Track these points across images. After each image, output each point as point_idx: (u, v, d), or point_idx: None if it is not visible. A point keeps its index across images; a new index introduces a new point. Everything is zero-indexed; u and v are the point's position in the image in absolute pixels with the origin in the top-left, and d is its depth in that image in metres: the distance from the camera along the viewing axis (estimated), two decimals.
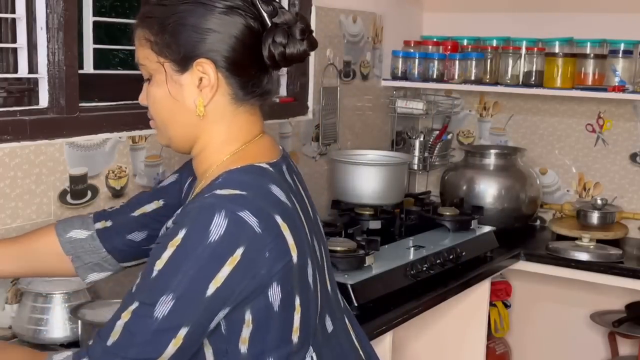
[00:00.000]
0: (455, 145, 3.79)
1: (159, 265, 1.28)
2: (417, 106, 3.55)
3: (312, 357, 1.41)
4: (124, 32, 2.66)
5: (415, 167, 3.56)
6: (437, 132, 3.67)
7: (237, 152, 1.43)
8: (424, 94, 3.75)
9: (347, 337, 1.56)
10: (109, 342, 1.30)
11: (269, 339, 1.34)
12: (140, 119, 2.41)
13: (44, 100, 2.18)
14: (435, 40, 3.61)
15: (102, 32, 2.49)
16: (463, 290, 2.69)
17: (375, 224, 2.98)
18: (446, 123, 3.68)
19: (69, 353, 1.36)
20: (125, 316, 1.30)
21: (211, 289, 1.27)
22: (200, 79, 1.38)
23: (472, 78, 3.46)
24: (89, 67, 2.31)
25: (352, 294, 2.30)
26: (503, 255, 3.01)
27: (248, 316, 1.32)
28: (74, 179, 2.23)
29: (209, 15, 1.36)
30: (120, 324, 1.30)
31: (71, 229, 1.75)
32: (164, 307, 1.27)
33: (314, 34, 1.43)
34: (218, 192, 1.31)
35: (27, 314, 1.99)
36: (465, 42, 3.60)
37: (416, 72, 3.54)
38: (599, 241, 3.13)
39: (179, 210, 1.35)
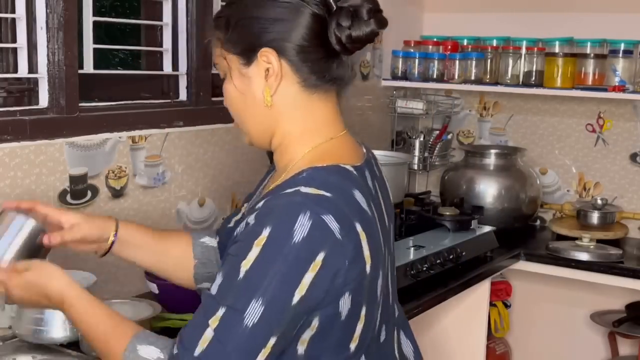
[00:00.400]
0: (455, 145, 3.79)
1: (246, 265, 1.22)
2: (417, 106, 3.55)
3: None
4: (124, 32, 2.66)
5: (415, 167, 3.56)
6: (437, 132, 3.67)
7: (320, 147, 1.38)
8: (424, 94, 3.75)
9: (398, 347, 1.54)
10: (197, 353, 1.23)
11: (327, 344, 1.31)
12: (141, 119, 2.42)
13: (44, 100, 2.19)
14: (435, 40, 3.61)
15: (102, 32, 2.49)
16: (463, 290, 2.69)
17: None
18: (446, 123, 3.68)
19: (158, 355, 1.29)
20: (213, 323, 1.23)
21: (296, 297, 1.22)
22: (267, 70, 1.36)
23: (472, 78, 3.46)
24: (89, 67, 2.31)
25: None
26: (503, 255, 3.01)
27: (315, 322, 1.29)
28: (74, 179, 2.23)
29: (271, 6, 1.34)
30: (209, 333, 1.23)
31: (204, 235, 1.71)
32: (254, 313, 1.21)
33: (383, 13, 1.38)
34: (303, 189, 1.26)
35: (27, 314, 1.98)
36: (465, 42, 3.60)
37: (416, 72, 3.54)
38: (599, 241, 3.13)
39: (260, 204, 1.29)
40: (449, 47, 3.54)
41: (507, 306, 3.53)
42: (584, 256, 3.02)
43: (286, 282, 1.22)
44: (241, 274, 1.23)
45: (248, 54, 1.37)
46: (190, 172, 2.61)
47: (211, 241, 1.69)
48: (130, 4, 2.67)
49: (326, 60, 1.38)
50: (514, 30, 3.49)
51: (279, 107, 1.38)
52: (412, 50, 3.60)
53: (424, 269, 2.58)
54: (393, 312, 1.53)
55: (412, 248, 2.73)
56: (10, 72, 2.17)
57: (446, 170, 3.55)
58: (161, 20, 2.59)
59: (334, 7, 1.35)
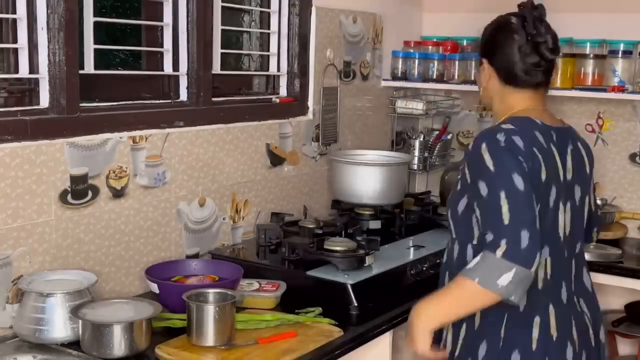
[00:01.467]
0: (455, 145, 3.79)
1: (489, 162, 1.91)
2: (417, 106, 3.55)
3: (546, 259, 1.97)
4: (125, 32, 2.66)
5: (415, 167, 3.56)
6: (437, 132, 3.67)
7: (519, 111, 2.06)
8: (424, 94, 3.75)
9: (577, 274, 2.09)
10: (506, 222, 1.83)
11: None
12: (141, 119, 2.43)
13: (44, 101, 2.19)
14: (435, 40, 3.62)
15: (102, 33, 2.49)
16: None
17: (375, 224, 2.98)
18: (446, 123, 3.69)
19: (478, 257, 1.84)
20: (500, 202, 1.86)
21: (526, 168, 1.90)
22: (485, 70, 2.14)
23: (472, 78, 3.47)
24: (89, 68, 2.32)
25: (352, 293, 2.31)
26: None
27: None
28: (74, 179, 2.23)
29: (495, 33, 2.15)
30: (503, 209, 1.84)
31: None
32: (518, 182, 1.87)
33: (551, 49, 2.07)
34: (502, 125, 1.98)
35: (28, 314, 1.99)
36: (465, 43, 3.61)
37: (416, 73, 3.55)
38: (598, 241, 3.12)
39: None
40: (449, 47, 3.54)
41: None
42: None
43: (517, 162, 1.89)
44: (493, 168, 1.90)
45: (481, 57, 2.17)
46: (191, 172, 2.62)
47: None
48: (131, 4, 2.68)
49: (519, 72, 2.07)
50: None
51: (489, 91, 2.16)
52: (411, 51, 3.61)
53: (424, 268, 2.59)
54: (574, 247, 2.07)
55: (412, 248, 2.73)
56: (11, 72, 2.18)
57: (446, 170, 3.56)
58: (162, 20, 2.60)
59: (527, 40, 2.07)
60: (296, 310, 2.24)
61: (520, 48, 2.03)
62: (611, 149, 3.48)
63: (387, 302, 2.37)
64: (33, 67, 2.18)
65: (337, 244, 2.48)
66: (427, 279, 2.58)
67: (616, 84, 3.18)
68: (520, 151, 1.90)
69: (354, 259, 2.44)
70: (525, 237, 1.81)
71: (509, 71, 2.06)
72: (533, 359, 1.95)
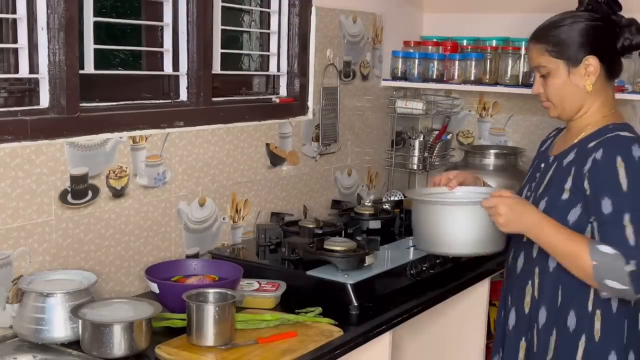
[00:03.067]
0: (455, 145, 3.79)
1: (623, 179, 1.89)
2: (417, 106, 3.55)
3: None
4: (125, 32, 2.67)
5: (415, 167, 3.56)
6: (437, 132, 3.68)
7: (609, 116, 2.07)
8: (423, 94, 3.75)
9: None
10: (634, 243, 1.86)
11: None
12: (141, 119, 2.43)
13: (44, 101, 2.19)
14: (435, 40, 3.62)
15: (102, 33, 2.49)
16: (463, 290, 2.70)
17: (375, 224, 2.98)
18: (446, 123, 3.69)
19: (615, 251, 1.87)
20: (627, 224, 1.87)
21: None
22: (587, 68, 2.04)
23: (472, 78, 3.47)
24: (89, 68, 2.32)
25: (352, 293, 2.31)
26: (503, 255, 3.01)
27: None
28: (74, 179, 2.23)
29: (587, 28, 2.05)
30: (629, 231, 1.87)
31: None
32: None
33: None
34: (620, 133, 1.98)
35: (28, 314, 1.99)
36: (464, 43, 3.61)
37: (416, 73, 3.55)
38: None
39: (592, 144, 1.99)
40: (449, 47, 3.54)
41: None
42: None
43: None
44: (625, 185, 1.89)
45: (576, 59, 2.06)
46: (191, 172, 2.62)
47: None
48: (131, 4, 2.68)
49: (618, 60, 2.13)
50: (513, 31, 3.49)
51: (594, 92, 2.09)
52: (411, 51, 3.60)
53: (424, 268, 2.59)
54: None
55: (412, 248, 2.73)
56: (11, 72, 2.18)
57: (446, 170, 3.55)
58: (162, 20, 2.60)
59: (621, 24, 2.10)
60: (296, 310, 2.24)
61: (620, 38, 2.06)
62: None
63: (387, 302, 2.37)
64: (33, 67, 2.18)
65: (337, 244, 2.48)
66: (427, 278, 2.58)
67: (616, 84, 3.18)
68: None
69: (354, 259, 2.44)
70: None
71: (614, 63, 2.09)
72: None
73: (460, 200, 2.14)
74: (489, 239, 2.12)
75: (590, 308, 2.00)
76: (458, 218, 2.08)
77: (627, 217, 1.87)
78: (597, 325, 1.99)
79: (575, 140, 2.09)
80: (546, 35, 2.08)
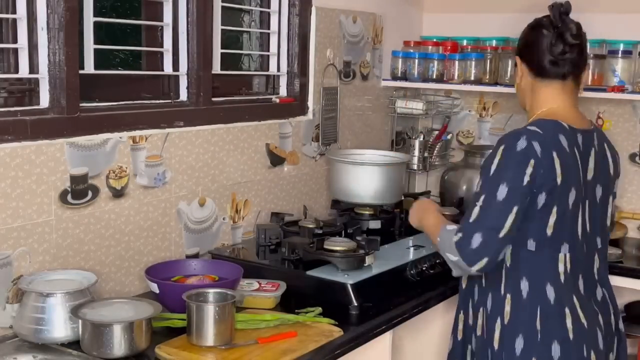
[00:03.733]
0: (455, 145, 3.79)
1: (494, 166, 2.05)
2: (417, 106, 3.55)
3: (565, 254, 2.11)
4: (125, 32, 2.66)
5: (415, 167, 3.56)
6: (437, 132, 3.68)
7: (547, 111, 2.18)
8: (423, 94, 3.75)
9: (597, 268, 2.22)
10: (471, 219, 2.05)
11: (531, 225, 2.08)
12: (141, 119, 2.43)
13: (44, 101, 2.19)
14: (434, 40, 3.62)
15: (102, 33, 2.49)
16: None
17: (375, 224, 2.98)
18: (446, 123, 3.69)
19: (454, 227, 2.10)
20: (478, 202, 2.05)
21: (525, 181, 2.01)
22: (519, 68, 2.26)
23: (472, 78, 3.47)
24: (89, 68, 2.32)
25: (352, 293, 2.31)
26: None
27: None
28: (74, 179, 2.23)
29: (527, 32, 2.26)
30: (476, 208, 2.05)
31: None
32: (502, 192, 2.01)
33: (575, 36, 2.18)
34: (529, 127, 2.10)
35: (28, 314, 1.99)
36: (464, 43, 3.61)
37: (416, 73, 3.55)
38: None
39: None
40: (449, 47, 3.54)
41: None
42: None
43: (519, 171, 2.02)
44: (492, 172, 2.05)
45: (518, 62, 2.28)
46: (191, 172, 2.62)
47: None
48: (131, 4, 2.68)
49: (548, 64, 2.18)
50: (513, 31, 3.47)
51: (525, 90, 2.27)
52: (411, 51, 3.60)
53: (424, 268, 2.59)
54: (594, 242, 2.21)
55: (412, 248, 2.74)
56: (11, 72, 2.18)
57: (446, 170, 3.56)
58: (162, 20, 2.60)
59: (555, 32, 2.19)
60: (296, 310, 2.24)
61: (547, 40, 2.17)
62: None
63: (387, 302, 2.37)
64: (33, 67, 2.18)
65: (337, 244, 2.48)
66: (427, 278, 2.58)
67: (616, 84, 3.18)
68: (536, 158, 2.03)
69: (353, 259, 2.44)
70: (477, 239, 2.03)
71: (539, 63, 2.19)
72: (572, 347, 2.07)
73: (367, 162, 3.09)
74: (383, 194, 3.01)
75: (502, 292, 2.14)
76: (363, 175, 3.01)
77: (482, 198, 2.06)
78: (507, 308, 2.12)
79: None
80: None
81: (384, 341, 2.32)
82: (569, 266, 2.12)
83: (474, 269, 2.05)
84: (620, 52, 3.20)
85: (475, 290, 2.24)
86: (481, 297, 2.22)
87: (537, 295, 2.10)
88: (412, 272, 2.55)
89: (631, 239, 3.38)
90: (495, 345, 2.14)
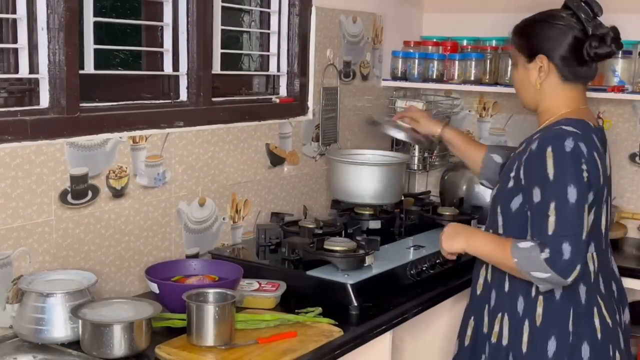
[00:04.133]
0: None
1: (550, 170, 1.98)
2: (417, 106, 3.55)
3: (592, 254, 2.10)
4: (125, 32, 2.67)
5: (415, 167, 3.56)
6: None
7: (570, 112, 2.15)
8: (423, 94, 3.75)
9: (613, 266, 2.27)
10: (551, 232, 1.96)
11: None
12: (141, 119, 2.43)
13: (44, 101, 2.19)
14: (434, 40, 3.62)
15: (102, 33, 2.49)
16: (463, 290, 2.69)
17: (375, 224, 2.98)
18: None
19: (531, 244, 1.98)
20: (550, 212, 1.96)
21: (585, 178, 1.98)
22: (540, 67, 2.16)
23: (472, 78, 3.47)
24: (89, 68, 2.32)
25: (352, 293, 2.31)
26: None
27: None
28: (74, 179, 2.23)
29: (548, 27, 2.14)
30: (551, 219, 1.96)
31: (496, 153, 2.54)
32: (572, 195, 1.96)
33: (614, 39, 2.15)
34: (564, 127, 2.05)
35: (28, 314, 1.99)
36: (464, 43, 3.61)
37: (416, 73, 3.55)
38: None
39: (536, 136, 2.10)
40: (449, 47, 3.55)
41: None
42: None
43: (578, 173, 1.98)
44: (551, 177, 1.98)
45: (531, 56, 2.18)
46: (191, 172, 2.62)
47: (498, 159, 2.52)
48: (131, 4, 2.68)
49: (578, 65, 2.14)
50: None
51: (544, 89, 2.18)
52: (411, 51, 3.61)
53: (424, 268, 2.59)
54: (608, 239, 2.23)
55: (412, 248, 2.74)
56: (11, 72, 2.18)
57: (446, 171, 3.56)
58: (162, 20, 2.60)
59: (590, 33, 2.12)
60: (296, 310, 2.24)
61: (583, 41, 2.10)
62: (611, 149, 3.46)
63: (387, 302, 2.37)
64: (33, 67, 2.18)
65: (337, 244, 2.48)
66: (427, 278, 2.58)
67: (616, 84, 3.18)
68: (585, 158, 2.00)
69: (354, 259, 2.44)
70: (567, 249, 1.94)
71: (572, 66, 2.14)
72: (600, 347, 2.09)
73: (367, 162, 3.10)
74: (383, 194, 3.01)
75: (533, 294, 2.10)
76: (363, 175, 3.01)
77: (552, 206, 1.97)
78: (539, 310, 2.09)
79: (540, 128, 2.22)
80: (518, 28, 2.24)
81: (384, 341, 2.32)
82: (596, 265, 2.12)
83: (570, 279, 1.97)
84: (620, 52, 3.20)
85: (492, 296, 2.20)
86: (501, 302, 2.17)
87: (569, 295, 2.08)
88: (412, 272, 2.55)
89: (631, 239, 3.37)
90: (524, 348, 2.10)
